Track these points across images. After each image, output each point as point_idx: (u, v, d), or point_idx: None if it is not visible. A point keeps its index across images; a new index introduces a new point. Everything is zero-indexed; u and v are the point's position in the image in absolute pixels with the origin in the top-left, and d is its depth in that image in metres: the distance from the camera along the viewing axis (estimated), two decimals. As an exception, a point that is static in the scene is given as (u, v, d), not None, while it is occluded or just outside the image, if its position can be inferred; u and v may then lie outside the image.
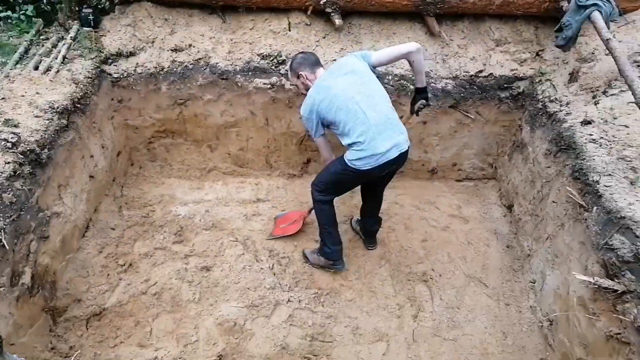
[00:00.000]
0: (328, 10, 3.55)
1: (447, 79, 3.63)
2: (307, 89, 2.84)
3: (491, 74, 3.62)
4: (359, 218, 3.44)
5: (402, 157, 2.76)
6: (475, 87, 3.64)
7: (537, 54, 3.66)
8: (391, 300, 3.05)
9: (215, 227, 3.45)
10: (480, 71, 3.62)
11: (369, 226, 3.36)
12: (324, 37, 3.69)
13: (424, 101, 3.03)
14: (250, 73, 3.56)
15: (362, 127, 2.63)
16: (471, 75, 3.62)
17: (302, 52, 3.02)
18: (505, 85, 3.64)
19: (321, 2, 3.51)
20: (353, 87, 2.68)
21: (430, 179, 4.09)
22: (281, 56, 3.56)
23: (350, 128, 2.66)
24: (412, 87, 3.25)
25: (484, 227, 3.61)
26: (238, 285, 3.03)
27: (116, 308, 2.82)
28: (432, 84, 3.60)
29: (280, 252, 3.31)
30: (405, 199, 3.84)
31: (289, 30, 3.65)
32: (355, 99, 2.65)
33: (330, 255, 3.13)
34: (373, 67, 2.84)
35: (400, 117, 2.92)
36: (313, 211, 3.23)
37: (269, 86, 3.56)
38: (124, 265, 3.07)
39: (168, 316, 2.84)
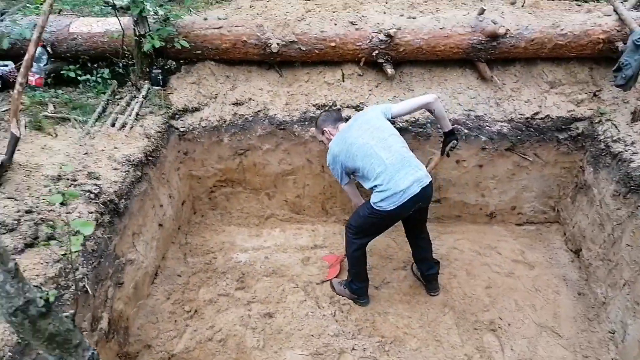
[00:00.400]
0: (380, 60, 3.69)
1: (502, 122, 3.63)
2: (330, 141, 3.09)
3: (547, 115, 3.60)
4: None
5: (426, 192, 2.81)
6: (531, 130, 3.62)
7: (595, 95, 3.62)
8: (459, 351, 2.93)
9: (275, 274, 3.49)
10: (536, 113, 3.61)
11: (425, 270, 3.32)
12: (377, 86, 3.81)
13: (455, 142, 3.16)
14: (306, 123, 3.69)
15: (379, 168, 2.76)
16: (527, 118, 3.61)
17: (325, 111, 3.35)
18: (563, 127, 3.60)
19: (373, 54, 3.65)
20: (366, 133, 2.86)
21: (489, 223, 4.01)
22: (336, 105, 3.69)
23: (369, 171, 2.80)
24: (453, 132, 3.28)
25: (551, 272, 3.47)
26: (302, 332, 3.01)
27: (184, 355, 2.86)
28: (487, 127, 3.62)
29: (341, 298, 3.29)
30: (465, 243, 3.77)
31: (343, 81, 3.80)
32: (369, 144, 2.82)
33: (356, 290, 3.24)
34: (392, 119, 3.03)
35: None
36: None
37: (324, 134, 3.67)
38: (190, 311, 3.14)
39: (234, 364, 2.85)
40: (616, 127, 3.31)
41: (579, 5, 3.90)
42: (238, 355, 2.89)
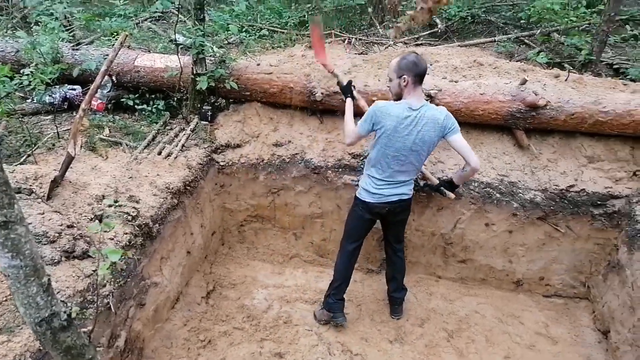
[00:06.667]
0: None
1: (535, 190, 3.62)
2: (397, 94, 2.89)
3: (583, 189, 3.56)
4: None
5: (402, 203, 3.08)
6: (565, 202, 3.58)
7: (635, 174, 3.56)
8: (468, 420, 2.84)
9: (291, 314, 3.52)
10: (571, 186, 3.58)
11: (392, 291, 3.54)
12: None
13: (452, 195, 3.30)
14: (340, 170, 3.82)
15: (385, 167, 2.94)
16: (561, 190, 3.59)
17: (417, 56, 2.80)
18: (599, 203, 3.54)
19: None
20: (411, 139, 2.82)
21: (515, 290, 3.91)
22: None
23: (381, 156, 2.92)
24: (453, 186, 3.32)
25: (576, 351, 3.33)
26: (309, 377, 3.01)
27: (192, 383, 2.91)
28: (520, 194, 3.62)
29: (354, 349, 3.27)
30: (487, 309, 3.69)
31: (380, 134, 3.91)
32: (404, 148, 2.85)
33: (332, 305, 3.39)
34: (444, 137, 2.89)
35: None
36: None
37: (356, 183, 3.77)
38: (204, 341, 3.20)
39: (239, 400, 2.86)
40: (655, 209, 3.23)
41: (625, 84, 3.90)
42: (244, 392, 2.91)
